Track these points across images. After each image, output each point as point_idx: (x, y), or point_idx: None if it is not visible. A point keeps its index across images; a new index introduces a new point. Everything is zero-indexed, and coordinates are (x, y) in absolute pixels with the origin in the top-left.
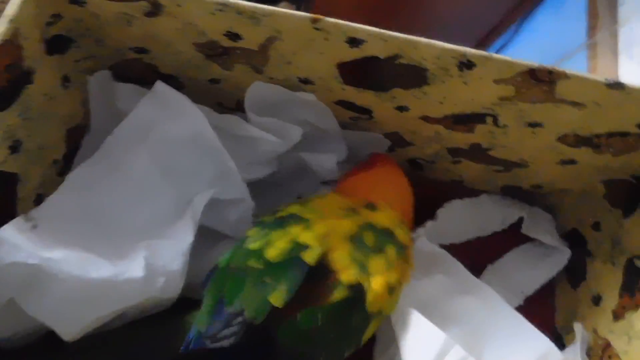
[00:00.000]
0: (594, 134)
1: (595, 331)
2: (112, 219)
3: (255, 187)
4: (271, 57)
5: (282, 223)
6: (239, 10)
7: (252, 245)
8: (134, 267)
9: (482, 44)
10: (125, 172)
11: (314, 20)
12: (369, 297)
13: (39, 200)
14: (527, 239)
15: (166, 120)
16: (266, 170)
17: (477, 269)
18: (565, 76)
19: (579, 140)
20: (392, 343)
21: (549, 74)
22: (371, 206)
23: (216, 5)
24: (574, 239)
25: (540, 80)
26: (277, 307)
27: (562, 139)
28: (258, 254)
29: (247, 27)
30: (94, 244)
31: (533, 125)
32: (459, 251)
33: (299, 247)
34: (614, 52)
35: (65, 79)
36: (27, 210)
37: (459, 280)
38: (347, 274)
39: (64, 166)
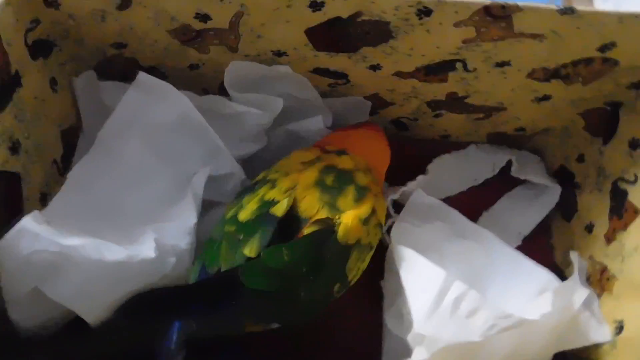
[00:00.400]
0: (560, 64)
1: (591, 258)
2: (118, 208)
3: (250, 165)
4: (242, 34)
5: (252, 189)
6: None
7: (228, 214)
8: (146, 250)
9: None
10: (122, 161)
11: None
12: (340, 230)
13: (44, 199)
14: (518, 182)
15: (152, 107)
16: (256, 146)
17: (473, 217)
18: (518, 9)
19: (548, 74)
20: (399, 295)
21: (502, 9)
22: (341, 152)
23: None
24: (562, 175)
25: (497, 17)
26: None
27: (532, 75)
28: (232, 219)
29: (214, 5)
30: (106, 232)
31: (501, 64)
32: (454, 202)
33: (267, 204)
34: None
35: (53, 82)
36: (36, 208)
37: (457, 226)
38: (319, 215)
39: (64, 166)
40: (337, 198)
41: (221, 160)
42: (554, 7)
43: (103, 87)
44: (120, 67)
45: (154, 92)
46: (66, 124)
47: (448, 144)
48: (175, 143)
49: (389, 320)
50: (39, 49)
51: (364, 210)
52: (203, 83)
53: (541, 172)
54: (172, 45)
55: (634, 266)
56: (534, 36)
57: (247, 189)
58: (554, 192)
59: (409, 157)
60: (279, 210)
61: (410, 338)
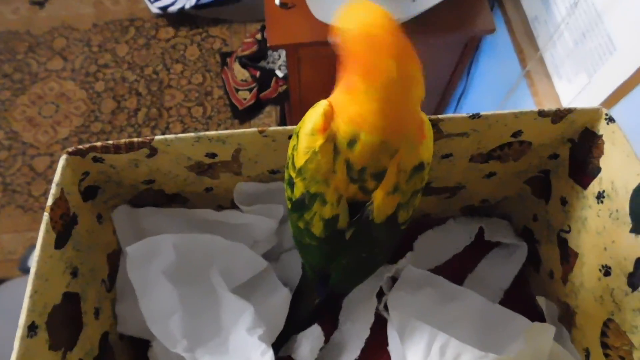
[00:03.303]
0: (489, 149)
1: (558, 299)
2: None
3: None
4: (243, 162)
5: (305, 206)
6: (210, 139)
7: (301, 224)
8: None
9: (445, 95)
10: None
11: (261, 132)
12: (375, 214)
13: (97, 313)
14: (492, 245)
15: (154, 263)
16: (268, 245)
17: (460, 280)
18: (440, 120)
19: (485, 157)
20: (401, 356)
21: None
22: (352, 142)
23: (193, 139)
24: (526, 234)
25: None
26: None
27: (473, 159)
28: (308, 233)
29: (219, 147)
30: None
31: (445, 156)
32: (442, 270)
33: (330, 222)
34: (547, 75)
35: (99, 217)
36: (91, 322)
37: (444, 290)
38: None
39: (110, 284)
40: (366, 181)
41: (238, 256)
42: (465, 115)
43: (139, 213)
44: (150, 197)
45: (146, 252)
46: (110, 249)
47: (430, 221)
48: (194, 270)
49: None
50: (89, 193)
51: (389, 183)
52: (218, 201)
53: (509, 233)
54: (190, 177)
55: (584, 299)
56: (460, 134)
57: (299, 204)
58: (522, 249)
59: None
60: (342, 223)
61: None
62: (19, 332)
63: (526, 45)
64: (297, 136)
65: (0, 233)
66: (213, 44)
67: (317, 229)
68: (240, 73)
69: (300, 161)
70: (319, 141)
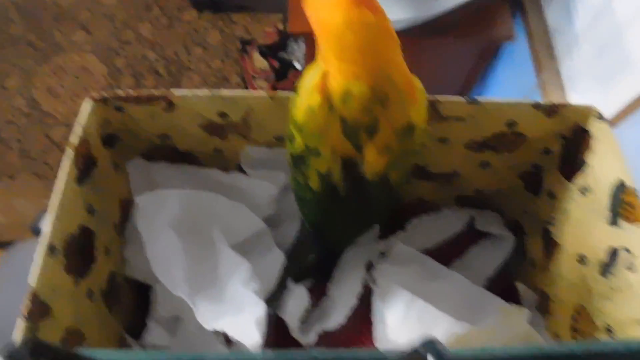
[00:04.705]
0: (484, 138)
1: (536, 287)
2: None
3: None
4: (251, 125)
5: (303, 160)
6: (223, 98)
7: (300, 179)
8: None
9: None
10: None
11: (271, 96)
12: (368, 172)
13: (107, 252)
14: (482, 235)
15: (158, 214)
16: (267, 211)
17: (447, 264)
18: (438, 101)
19: (479, 145)
20: (384, 322)
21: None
22: (345, 99)
23: (208, 96)
24: (516, 226)
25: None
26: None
27: (468, 146)
28: (306, 187)
29: (230, 107)
30: None
31: (442, 140)
32: (430, 254)
33: (325, 176)
34: (561, 87)
35: (116, 165)
36: (102, 258)
37: (430, 269)
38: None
39: (120, 229)
40: (360, 137)
41: (238, 216)
42: (462, 98)
43: (153, 167)
44: (163, 153)
45: (154, 203)
46: (123, 197)
47: (425, 207)
48: (197, 225)
49: (379, 345)
50: (109, 140)
51: (381, 140)
52: (224, 163)
53: (499, 226)
54: (201, 136)
55: (560, 287)
56: (457, 119)
57: (299, 159)
58: (509, 241)
59: (396, 216)
60: (336, 178)
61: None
62: (41, 249)
63: (544, 56)
64: (297, 93)
65: (14, 197)
66: (235, 30)
67: (314, 182)
68: (259, 62)
69: (299, 117)
70: (317, 99)
